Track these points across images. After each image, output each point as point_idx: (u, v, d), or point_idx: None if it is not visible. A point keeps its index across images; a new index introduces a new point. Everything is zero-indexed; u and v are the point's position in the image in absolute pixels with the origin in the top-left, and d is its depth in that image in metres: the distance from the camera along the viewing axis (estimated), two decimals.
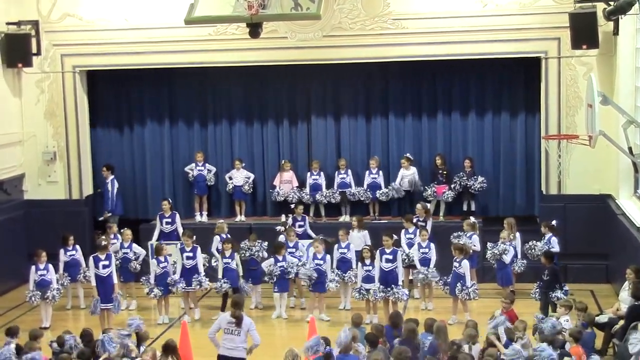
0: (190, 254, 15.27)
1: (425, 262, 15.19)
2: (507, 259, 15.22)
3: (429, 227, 16.09)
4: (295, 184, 17.79)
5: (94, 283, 14.40)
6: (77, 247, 16.01)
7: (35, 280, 14.94)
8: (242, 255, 15.64)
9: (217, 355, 11.59)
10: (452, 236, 15.73)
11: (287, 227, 16.30)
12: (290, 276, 15.25)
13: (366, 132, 18.16)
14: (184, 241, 15.47)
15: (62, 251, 15.82)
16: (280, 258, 15.20)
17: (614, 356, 11.19)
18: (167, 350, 11.09)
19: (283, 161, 17.98)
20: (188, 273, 15.20)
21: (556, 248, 15.19)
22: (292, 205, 17.18)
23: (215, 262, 15.56)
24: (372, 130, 18.14)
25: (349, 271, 15.19)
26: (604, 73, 16.10)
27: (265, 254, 15.62)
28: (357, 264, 15.00)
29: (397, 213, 17.66)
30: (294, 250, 15.66)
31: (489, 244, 15.63)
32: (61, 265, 15.73)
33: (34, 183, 18.12)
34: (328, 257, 15.15)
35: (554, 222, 15.45)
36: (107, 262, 14.50)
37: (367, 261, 14.55)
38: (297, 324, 14.96)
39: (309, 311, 15.14)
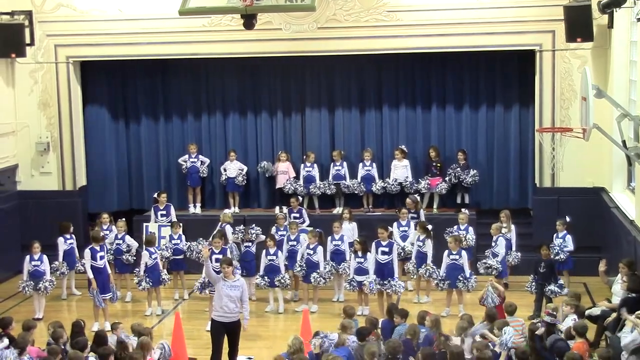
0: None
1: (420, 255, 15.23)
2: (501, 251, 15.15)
3: (422, 218, 16.13)
4: (292, 174, 17.78)
5: (91, 275, 14.25)
6: (73, 236, 16.10)
7: (29, 270, 14.93)
8: (244, 241, 15.56)
9: None
10: (446, 231, 15.70)
11: (278, 218, 16.21)
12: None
13: (360, 124, 18.17)
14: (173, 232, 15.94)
15: (61, 239, 15.86)
16: (271, 251, 15.13)
17: (607, 348, 11.21)
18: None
19: (279, 152, 17.97)
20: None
21: (571, 247, 15.18)
22: (292, 200, 17.06)
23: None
24: (366, 122, 18.15)
25: (342, 263, 15.21)
26: (598, 66, 16.12)
27: (263, 237, 15.55)
28: (349, 256, 15.04)
29: (391, 205, 17.67)
30: (295, 243, 15.56)
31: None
32: (60, 254, 15.78)
33: (27, 174, 18.08)
34: (320, 248, 15.13)
35: (568, 219, 15.40)
36: (102, 253, 14.47)
37: (360, 253, 14.55)
38: (291, 316, 14.95)
39: (302, 302, 15.18)
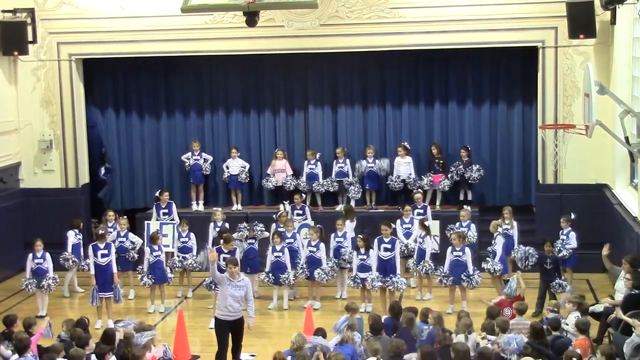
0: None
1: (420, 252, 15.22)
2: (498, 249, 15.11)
3: (428, 215, 16.13)
4: (290, 172, 17.77)
5: (92, 272, 14.34)
6: (81, 233, 16.26)
7: (32, 268, 14.95)
8: (248, 238, 15.54)
9: None
10: (448, 228, 15.70)
11: (281, 215, 16.21)
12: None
13: (363, 121, 18.16)
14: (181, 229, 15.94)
15: (72, 232, 16.00)
16: (278, 248, 15.12)
17: (610, 345, 11.20)
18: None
19: (276, 150, 17.96)
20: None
21: (574, 244, 15.07)
22: (296, 197, 17.06)
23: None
24: (368, 120, 18.14)
25: (345, 254, 15.19)
26: (601, 62, 16.10)
27: (267, 234, 15.57)
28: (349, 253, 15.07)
29: (394, 202, 17.66)
30: (292, 240, 15.56)
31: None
32: (70, 247, 15.87)
33: (30, 172, 18.09)
34: (322, 245, 15.13)
35: (573, 216, 15.34)
36: (106, 251, 14.43)
37: (362, 250, 14.55)
38: (294, 313, 14.96)
39: (306, 299, 15.17)
